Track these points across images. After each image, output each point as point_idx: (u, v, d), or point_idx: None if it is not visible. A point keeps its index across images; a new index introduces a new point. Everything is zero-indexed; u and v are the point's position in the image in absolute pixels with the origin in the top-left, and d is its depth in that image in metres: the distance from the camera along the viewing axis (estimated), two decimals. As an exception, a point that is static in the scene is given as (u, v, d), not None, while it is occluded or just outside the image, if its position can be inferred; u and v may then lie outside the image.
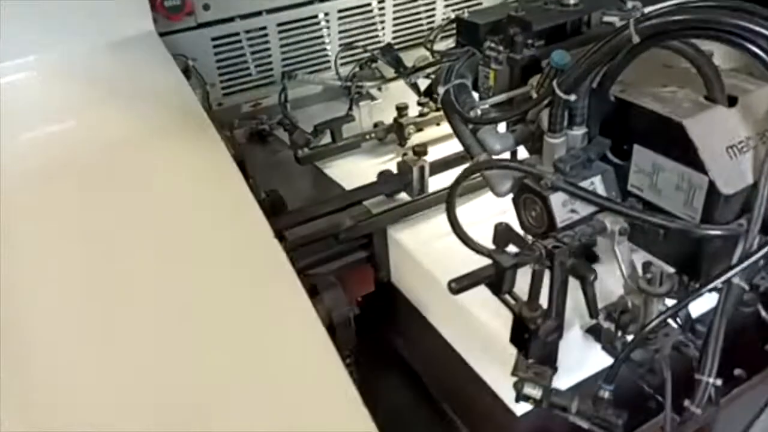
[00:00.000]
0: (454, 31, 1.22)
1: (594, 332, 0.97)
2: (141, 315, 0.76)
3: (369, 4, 1.75)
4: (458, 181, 0.98)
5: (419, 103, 1.53)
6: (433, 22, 1.87)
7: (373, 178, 1.37)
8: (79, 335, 0.73)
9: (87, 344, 0.72)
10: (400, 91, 1.62)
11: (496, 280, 0.83)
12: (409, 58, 1.66)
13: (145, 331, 0.74)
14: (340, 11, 1.71)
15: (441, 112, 1.48)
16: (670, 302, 0.87)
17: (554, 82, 0.86)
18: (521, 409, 0.98)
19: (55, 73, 1.15)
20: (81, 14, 1.20)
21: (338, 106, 1.68)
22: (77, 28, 1.21)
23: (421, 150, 1.27)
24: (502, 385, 1.01)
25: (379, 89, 1.61)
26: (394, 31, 1.83)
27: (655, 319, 0.82)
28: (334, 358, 0.74)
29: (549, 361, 0.91)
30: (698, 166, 0.82)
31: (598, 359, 0.98)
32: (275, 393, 0.70)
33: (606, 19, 1.13)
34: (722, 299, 0.79)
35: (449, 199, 0.99)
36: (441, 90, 1.08)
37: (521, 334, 0.85)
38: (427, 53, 1.62)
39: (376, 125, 1.55)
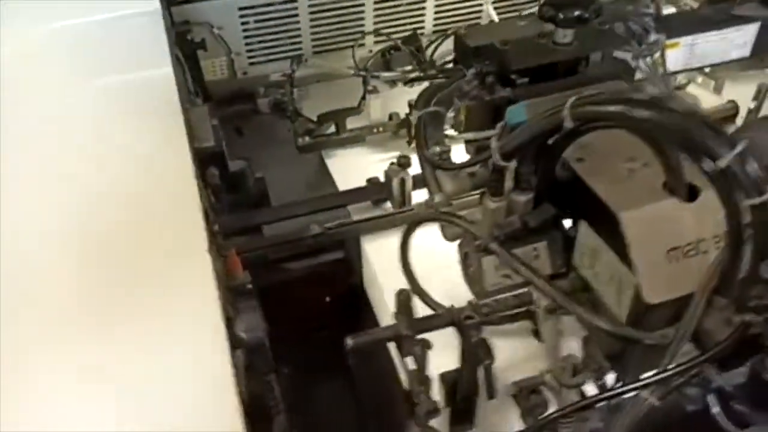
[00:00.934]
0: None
1: (516, 398, 0.93)
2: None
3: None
4: (409, 231, 0.94)
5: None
6: (480, 10, 1.75)
7: (374, 174, 1.34)
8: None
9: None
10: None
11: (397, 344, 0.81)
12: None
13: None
14: (377, -9, 1.64)
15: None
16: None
17: (493, 145, 0.79)
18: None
19: (45, 44, 1.17)
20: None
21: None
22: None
23: (405, 162, 1.23)
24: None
25: (394, 82, 1.55)
26: (436, 18, 1.73)
27: (555, 413, 0.78)
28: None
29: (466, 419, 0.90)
30: (630, 264, 0.74)
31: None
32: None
33: (618, 54, 1.03)
34: (627, 410, 0.74)
35: (402, 249, 0.96)
36: (415, 115, 1.03)
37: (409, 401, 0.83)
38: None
39: (390, 117, 1.50)
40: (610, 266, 0.78)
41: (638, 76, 1.04)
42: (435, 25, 1.75)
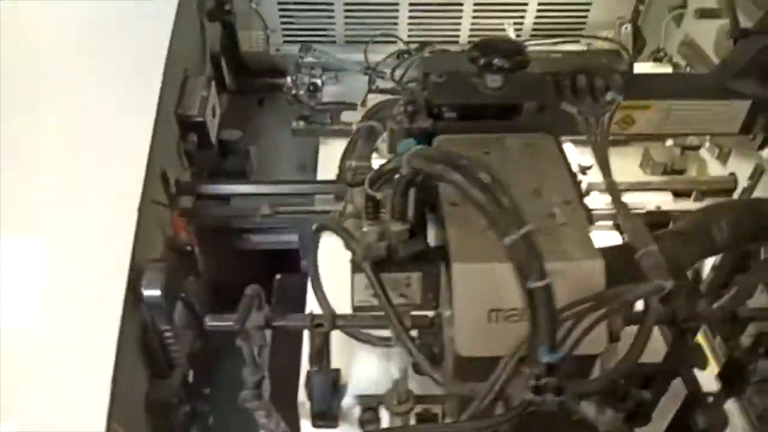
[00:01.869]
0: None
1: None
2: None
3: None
4: (315, 238, 1.00)
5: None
6: (521, 23, 1.73)
7: None
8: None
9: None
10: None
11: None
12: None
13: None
14: (414, -7, 1.67)
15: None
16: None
17: (368, 177, 0.83)
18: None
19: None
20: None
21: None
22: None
23: (366, 166, 1.27)
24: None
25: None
26: (473, 24, 1.74)
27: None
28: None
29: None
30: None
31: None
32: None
33: (565, 107, 1.02)
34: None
35: (312, 250, 1.02)
36: (359, 125, 1.08)
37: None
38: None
39: (389, 118, 1.55)
40: (448, 310, 0.81)
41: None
42: (470, 35, 1.75)
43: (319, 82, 1.72)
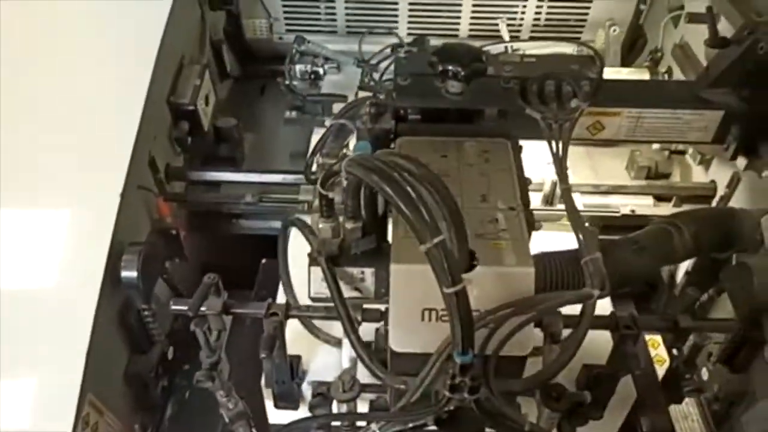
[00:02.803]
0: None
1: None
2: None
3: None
4: (285, 231, 1.05)
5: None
6: (522, 22, 1.74)
7: None
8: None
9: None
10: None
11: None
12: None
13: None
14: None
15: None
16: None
17: (320, 176, 0.87)
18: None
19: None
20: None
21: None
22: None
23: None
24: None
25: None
26: (473, 20, 1.75)
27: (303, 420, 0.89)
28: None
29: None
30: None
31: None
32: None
33: (529, 112, 1.04)
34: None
35: (281, 243, 1.07)
36: (331, 121, 1.12)
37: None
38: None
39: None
40: (390, 308, 0.85)
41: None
42: (470, 30, 1.77)
43: (320, 71, 1.77)
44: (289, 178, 1.37)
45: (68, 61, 1.21)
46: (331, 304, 0.93)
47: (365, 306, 0.96)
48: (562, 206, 1.33)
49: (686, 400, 1.08)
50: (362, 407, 0.99)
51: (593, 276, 0.83)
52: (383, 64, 1.52)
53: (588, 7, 1.72)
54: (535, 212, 0.91)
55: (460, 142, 0.98)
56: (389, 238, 0.91)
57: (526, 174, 0.96)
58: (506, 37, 1.58)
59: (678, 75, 1.54)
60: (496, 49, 1.41)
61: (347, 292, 0.94)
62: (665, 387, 1.02)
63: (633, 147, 1.49)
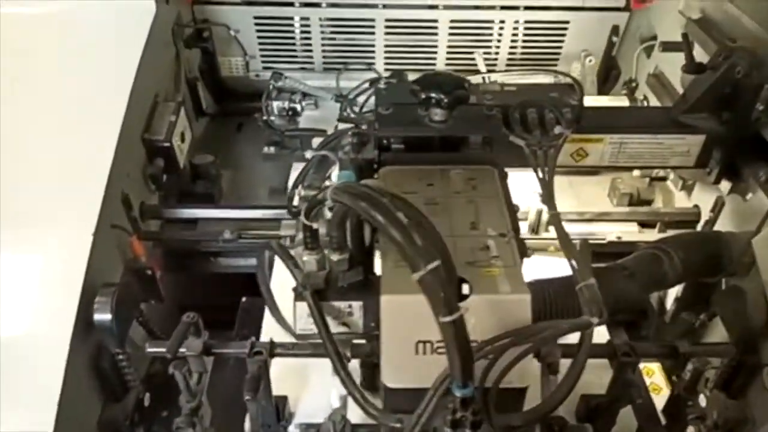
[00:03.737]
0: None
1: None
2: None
3: (428, 21, 1.70)
4: (261, 256, 1.01)
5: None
6: (497, 54, 1.76)
7: None
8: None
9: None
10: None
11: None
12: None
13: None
14: (387, 20, 1.69)
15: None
16: None
17: (304, 207, 0.84)
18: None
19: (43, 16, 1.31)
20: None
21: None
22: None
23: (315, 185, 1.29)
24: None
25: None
26: (449, 53, 1.76)
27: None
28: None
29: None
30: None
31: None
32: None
33: (513, 139, 1.03)
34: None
35: (260, 270, 1.03)
36: (308, 154, 1.10)
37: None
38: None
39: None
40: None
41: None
42: (447, 63, 1.78)
43: (298, 107, 1.76)
44: (269, 213, 1.34)
45: (40, 96, 1.17)
46: (319, 341, 0.89)
47: (354, 341, 0.92)
48: (548, 234, 1.33)
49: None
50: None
51: (590, 303, 0.81)
52: (362, 98, 1.51)
53: (562, 40, 1.75)
54: (522, 241, 0.89)
55: (445, 170, 0.97)
56: (377, 269, 0.89)
57: (512, 202, 0.95)
58: (483, 69, 1.59)
59: (654, 103, 1.55)
60: (474, 80, 1.41)
61: (334, 327, 0.91)
62: (667, 416, 0.99)
63: (614, 174, 1.49)
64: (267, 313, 1.21)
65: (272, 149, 1.55)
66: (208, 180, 1.49)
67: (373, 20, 1.69)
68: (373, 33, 1.72)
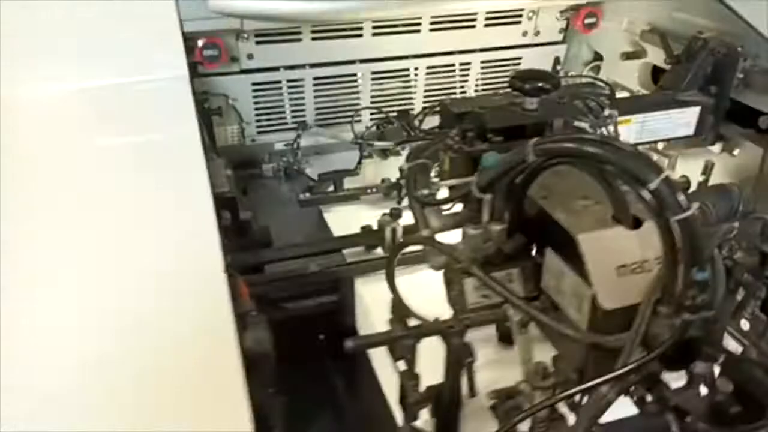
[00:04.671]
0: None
1: (493, 409, 1.04)
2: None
3: (405, 70, 1.90)
4: (395, 251, 1.08)
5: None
6: (465, 93, 1.99)
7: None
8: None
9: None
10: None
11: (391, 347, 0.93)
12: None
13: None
14: (374, 73, 1.87)
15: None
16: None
17: (472, 183, 0.95)
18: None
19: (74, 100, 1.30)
20: (113, 50, 1.35)
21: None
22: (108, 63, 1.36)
23: (396, 213, 1.39)
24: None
25: (386, 151, 1.73)
26: (426, 96, 1.97)
27: (526, 411, 0.89)
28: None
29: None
30: (587, 278, 0.89)
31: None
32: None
33: (577, 124, 1.22)
34: (590, 404, 0.85)
35: (388, 266, 1.10)
36: (405, 166, 1.20)
37: (403, 399, 0.94)
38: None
39: (383, 181, 1.69)
40: (572, 283, 0.93)
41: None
42: (424, 101, 1.98)
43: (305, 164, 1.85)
44: (339, 243, 1.40)
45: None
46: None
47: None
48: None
49: None
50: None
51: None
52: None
53: (518, 65, 2.02)
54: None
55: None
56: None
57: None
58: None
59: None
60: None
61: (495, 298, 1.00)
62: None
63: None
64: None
65: (307, 195, 1.61)
66: (256, 230, 1.51)
67: (361, 74, 1.86)
68: (358, 92, 1.88)
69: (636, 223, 0.91)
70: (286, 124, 1.88)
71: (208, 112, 1.71)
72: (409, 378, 0.93)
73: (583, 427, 0.85)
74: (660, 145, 1.59)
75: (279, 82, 1.81)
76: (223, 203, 1.35)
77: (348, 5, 1.36)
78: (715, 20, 1.45)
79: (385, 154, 1.75)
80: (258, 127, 1.87)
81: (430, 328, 0.95)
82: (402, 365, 0.96)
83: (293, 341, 1.39)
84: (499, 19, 1.88)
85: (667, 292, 0.84)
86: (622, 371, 0.84)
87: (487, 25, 1.88)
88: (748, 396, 0.86)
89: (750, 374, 0.86)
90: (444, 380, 0.96)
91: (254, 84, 1.78)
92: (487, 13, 1.84)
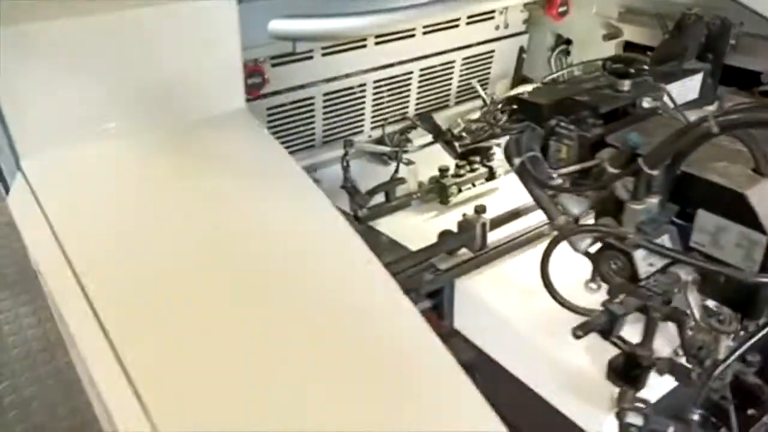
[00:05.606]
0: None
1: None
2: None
3: (403, 74, 1.94)
4: (551, 248, 1.15)
5: (457, 165, 1.72)
6: (449, 90, 2.08)
7: (421, 233, 1.53)
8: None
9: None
10: (425, 155, 1.83)
11: (608, 327, 1.00)
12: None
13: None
14: (375, 81, 1.88)
15: (476, 173, 1.69)
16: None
17: (640, 159, 1.05)
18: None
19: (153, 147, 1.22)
20: (175, 95, 1.28)
21: (370, 168, 1.88)
22: (171, 108, 1.28)
23: (481, 209, 1.44)
24: (587, 418, 1.16)
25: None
26: (418, 99, 2.02)
27: (732, 354, 1.01)
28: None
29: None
30: (758, 227, 1.02)
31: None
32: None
33: (645, 104, 1.36)
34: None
35: (543, 266, 1.16)
36: (516, 161, 1.26)
37: (633, 371, 1.01)
38: (449, 114, 1.83)
39: (420, 185, 1.72)
40: (735, 235, 1.05)
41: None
42: (416, 110, 2.03)
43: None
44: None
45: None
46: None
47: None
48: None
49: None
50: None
51: None
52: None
53: (489, 67, 2.15)
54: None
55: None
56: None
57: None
58: (482, 94, 1.88)
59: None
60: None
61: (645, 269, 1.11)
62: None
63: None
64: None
65: (365, 210, 1.59)
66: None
67: (364, 84, 1.86)
68: (363, 106, 1.89)
69: (774, 174, 1.07)
70: (296, 144, 1.84)
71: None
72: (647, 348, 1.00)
73: None
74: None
75: (294, 102, 1.76)
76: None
77: (403, 16, 1.38)
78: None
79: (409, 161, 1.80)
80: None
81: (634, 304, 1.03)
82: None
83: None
84: (478, 16, 1.98)
85: None
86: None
87: (468, 23, 1.98)
88: None
89: None
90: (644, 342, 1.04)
91: (269, 108, 1.72)
92: (470, 12, 1.94)
